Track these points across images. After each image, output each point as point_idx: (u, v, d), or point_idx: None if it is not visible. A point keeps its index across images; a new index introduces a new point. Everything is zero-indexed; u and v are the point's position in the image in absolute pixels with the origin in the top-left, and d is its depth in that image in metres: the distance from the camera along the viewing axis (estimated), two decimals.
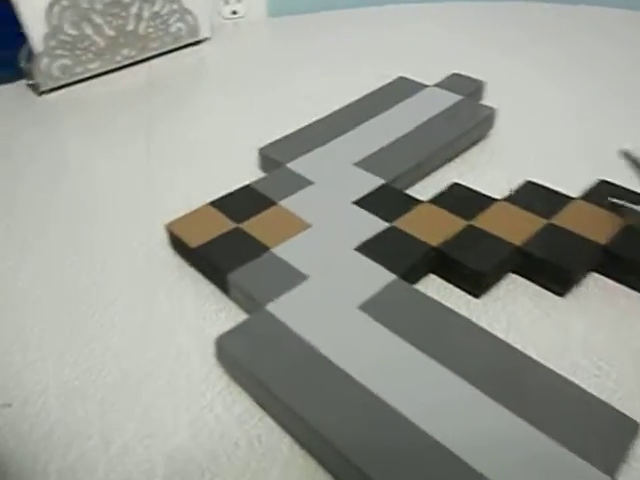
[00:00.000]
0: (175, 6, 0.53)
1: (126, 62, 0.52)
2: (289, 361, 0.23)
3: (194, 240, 0.29)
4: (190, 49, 0.57)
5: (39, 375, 0.25)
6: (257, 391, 0.23)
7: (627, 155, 0.31)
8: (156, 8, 0.52)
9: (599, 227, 0.28)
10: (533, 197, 0.30)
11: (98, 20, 0.49)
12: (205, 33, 0.57)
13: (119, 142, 0.42)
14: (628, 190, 0.30)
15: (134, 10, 0.51)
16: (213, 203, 0.32)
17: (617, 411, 0.20)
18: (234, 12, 0.63)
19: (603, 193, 0.30)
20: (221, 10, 0.63)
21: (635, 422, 0.20)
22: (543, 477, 0.19)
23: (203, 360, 0.25)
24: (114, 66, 0.52)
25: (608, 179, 0.31)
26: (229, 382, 0.24)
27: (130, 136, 0.42)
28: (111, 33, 0.50)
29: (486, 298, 0.27)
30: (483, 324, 0.25)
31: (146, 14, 0.52)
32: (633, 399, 0.22)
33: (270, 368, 0.22)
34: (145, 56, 0.53)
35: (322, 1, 0.64)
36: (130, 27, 0.51)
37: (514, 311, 0.26)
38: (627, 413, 0.20)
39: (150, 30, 0.53)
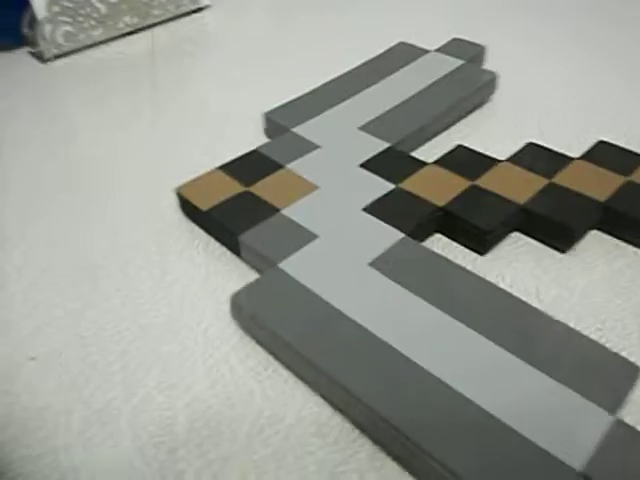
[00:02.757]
0: None
1: (128, 30, 0.52)
2: (303, 314, 0.24)
3: (204, 203, 0.30)
4: (191, 17, 0.56)
5: (60, 332, 0.26)
6: (273, 344, 0.24)
7: None
8: None
9: (599, 185, 0.29)
10: (535, 158, 0.31)
11: None
12: (206, 1, 0.57)
13: (124, 110, 0.42)
14: (625, 149, 0.31)
15: None
16: (221, 167, 0.32)
17: (619, 356, 0.21)
18: None
19: (602, 153, 0.31)
20: None
21: (636, 366, 0.21)
22: (551, 415, 0.20)
23: (217, 317, 0.26)
24: (116, 34, 0.52)
25: (608, 140, 0.32)
26: (243, 336, 0.25)
27: (135, 104, 0.43)
28: (113, 0, 0.50)
29: (490, 256, 0.28)
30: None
31: None
32: (635, 350, 0.23)
33: (285, 321, 0.23)
34: (147, 24, 0.53)
35: None
36: None
37: (518, 268, 0.27)
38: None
39: None
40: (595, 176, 0.29)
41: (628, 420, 0.20)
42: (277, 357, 0.24)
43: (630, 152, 0.31)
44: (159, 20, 0.54)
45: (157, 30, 0.54)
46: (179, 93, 0.44)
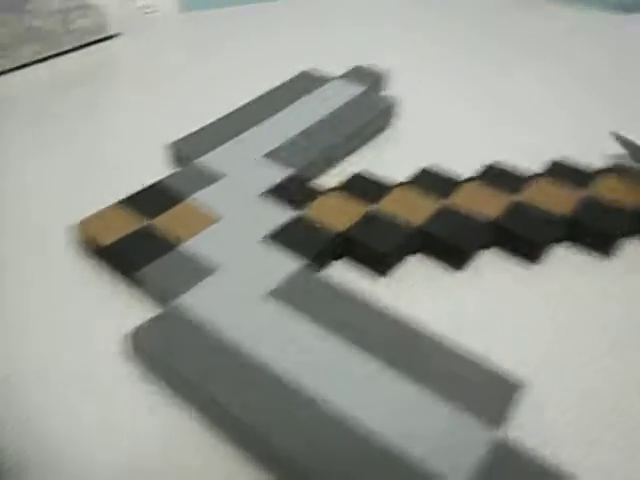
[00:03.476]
0: (79, 2, 0.52)
1: (33, 59, 0.51)
2: (201, 350, 0.23)
3: (104, 239, 0.29)
4: (99, 45, 0.56)
5: None
6: (171, 380, 0.23)
7: (618, 137, 0.34)
8: (59, 4, 0.50)
9: (488, 205, 0.30)
10: (430, 181, 0.32)
11: (1, 16, 0.47)
12: (114, 29, 0.56)
13: (28, 143, 0.41)
14: (511, 172, 0.33)
15: (36, 6, 0.49)
16: (123, 201, 0.32)
17: (501, 374, 0.22)
18: (146, 6, 0.63)
19: (493, 174, 0.33)
20: (133, 4, 0.62)
21: (517, 381, 0.22)
22: (433, 433, 0.20)
23: (117, 354, 0.25)
24: (18, 64, 0.50)
25: (501, 161, 0.34)
26: (145, 373, 0.24)
27: (37, 137, 0.41)
28: (15, 30, 0.48)
29: (390, 278, 0.29)
30: (387, 303, 0.27)
31: (49, 10, 0.50)
32: (520, 365, 0.24)
33: (183, 357, 0.23)
34: (53, 52, 0.52)
35: None
36: (36, 23, 0.49)
37: (414, 289, 0.28)
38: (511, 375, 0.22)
39: (56, 27, 0.51)
40: (485, 196, 0.31)
41: (511, 436, 0.21)
42: (177, 394, 0.24)
43: (516, 174, 0.33)
44: (65, 49, 0.53)
45: (63, 59, 0.53)
46: (85, 124, 0.43)
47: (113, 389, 0.24)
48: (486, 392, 0.22)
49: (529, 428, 0.22)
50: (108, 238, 0.29)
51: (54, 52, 0.52)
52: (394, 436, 0.20)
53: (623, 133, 0.33)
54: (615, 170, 0.32)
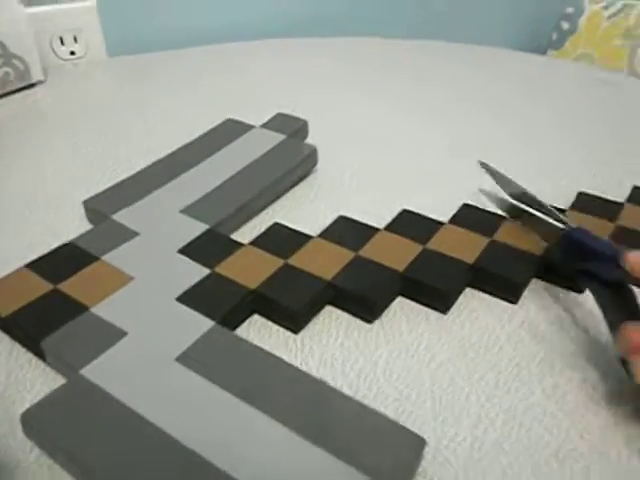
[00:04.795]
0: (1, 51, 0.51)
1: None
2: (102, 426, 0.23)
3: (5, 308, 0.28)
4: (22, 93, 0.54)
5: None
6: (67, 462, 0.23)
7: (484, 165, 0.36)
8: None
9: (399, 255, 0.31)
10: (345, 231, 0.33)
11: None
12: (37, 76, 0.55)
13: None
14: (425, 217, 0.34)
15: None
16: (29, 265, 0.31)
17: (408, 430, 0.22)
18: (72, 52, 0.62)
19: (404, 222, 0.33)
20: (57, 51, 0.61)
21: (422, 439, 0.22)
22: None
23: (12, 435, 0.24)
24: None
25: (412, 209, 0.35)
26: (39, 456, 0.23)
27: None
28: None
29: (304, 333, 0.29)
30: (299, 361, 0.27)
31: None
32: (427, 419, 0.24)
33: (80, 437, 0.22)
34: None
35: (160, 42, 0.64)
36: None
37: (327, 344, 0.28)
38: (420, 432, 0.22)
39: None
40: (396, 246, 0.32)
41: None
42: (74, 475, 0.23)
43: (430, 219, 0.34)
44: None
45: None
46: (1, 178, 0.41)
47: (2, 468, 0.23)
48: (391, 450, 0.22)
49: None
50: (10, 307, 0.28)
51: None
52: None
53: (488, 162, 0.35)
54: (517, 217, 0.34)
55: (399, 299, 0.30)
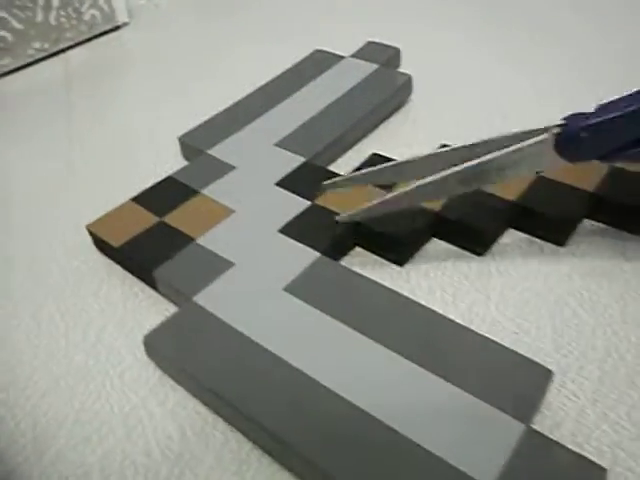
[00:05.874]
0: None
1: (40, 55, 0.50)
2: (218, 350, 0.23)
3: (117, 239, 0.29)
4: (108, 36, 0.55)
5: None
6: (188, 383, 0.23)
7: None
8: None
9: (509, 186, 0.29)
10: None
11: (2, 14, 0.46)
12: (122, 18, 0.55)
13: (38, 143, 0.40)
14: None
15: (41, 1, 0.48)
16: (135, 198, 0.31)
17: (531, 361, 0.21)
18: None
19: None
20: None
21: (548, 370, 0.21)
22: (460, 428, 0.20)
23: (134, 358, 0.25)
24: (27, 61, 0.50)
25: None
26: (161, 377, 0.24)
27: (49, 133, 0.41)
28: (19, 26, 0.48)
29: (409, 266, 0.28)
30: (405, 293, 0.26)
31: (55, 3, 0.49)
32: (549, 352, 0.23)
33: (199, 360, 0.23)
34: (60, 47, 0.52)
35: None
36: (39, 18, 0.49)
37: (435, 277, 0.27)
38: (543, 364, 0.21)
39: (62, 20, 0.51)
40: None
41: (541, 428, 0.20)
42: (195, 396, 0.23)
43: None
44: (73, 43, 0.52)
45: (72, 53, 0.52)
46: (96, 120, 0.42)
47: (126, 390, 0.24)
48: (515, 381, 0.21)
49: (559, 418, 0.21)
50: (121, 238, 0.29)
51: (63, 46, 0.51)
52: (414, 433, 0.19)
53: None
54: None
55: (510, 231, 0.29)
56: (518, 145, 0.23)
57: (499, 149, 0.23)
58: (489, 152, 0.24)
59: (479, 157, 0.24)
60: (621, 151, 0.22)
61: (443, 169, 0.25)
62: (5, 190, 0.36)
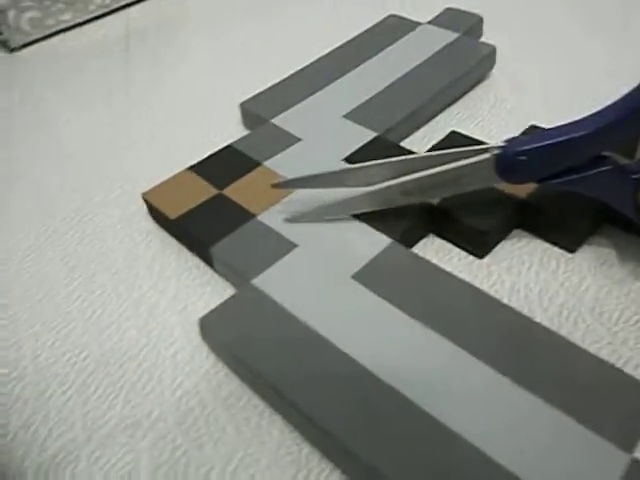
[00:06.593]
0: None
1: (101, 11, 0.49)
2: (277, 339, 0.21)
3: (173, 211, 0.27)
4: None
5: (15, 361, 0.23)
6: (244, 373, 0.22)
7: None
8: None
9: None
10: None
11: None
12: None
13: (97, 102, 0.39)
14: None
15: None
16: (193, 167, 0.29)
17: (634, 380, 0.19)
18: None
19: None
20: None
21: None
22: (551, 453, 0.17)
23: (187, 339, 0.24)
24: (88, 16, 0.48)
25: None
26: (215, 362, 0.23)
27: (109, 95, 0.40)
28: None
29: (489, 259, 0.25)
30: (485, 288, 0.23)
31: None
32: None
33: (256, 349, 0.21)
34: (121, 4, 0.50)
35: None
36: None
37: (520, 272, 0.24)
38: None
39: None
40: None
41: None
42: (249, 386, 0.22)
43: None
44: (135, 0, 0.50)
45: (132, 11, 0.50)
46: (155, 81, 0.41)
47: (178, 374, 0.22)
48: (618, 403, 0.18)
49: None
50: (177, 210, 0.27)
51: (125, 3, 0.50)
52: (505, 458, 0.17)
53: None
54: None
55: (606, 227, 0.26)
56: (459, 163, 0.23)
57: (445, 164, 0.24)
58: (440, 165, 0.24)
59: (425, 170, 0.24)
60: (558, 177, 0.22)
61: (393, 178, 0.25)
62: (61, 152, 0.35)
